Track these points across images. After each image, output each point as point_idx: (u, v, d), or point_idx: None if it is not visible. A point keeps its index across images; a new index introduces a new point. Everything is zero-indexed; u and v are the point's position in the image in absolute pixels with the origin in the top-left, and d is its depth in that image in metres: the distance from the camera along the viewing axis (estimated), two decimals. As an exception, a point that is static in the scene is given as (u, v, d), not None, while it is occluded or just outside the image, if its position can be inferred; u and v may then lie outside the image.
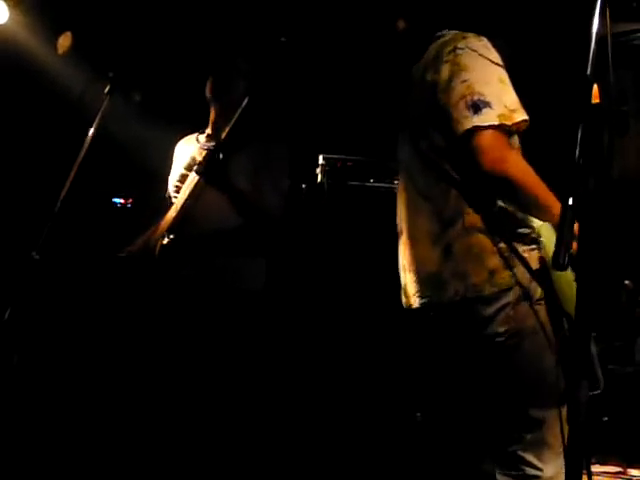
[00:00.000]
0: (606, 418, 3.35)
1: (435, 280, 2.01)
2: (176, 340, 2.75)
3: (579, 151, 1.30)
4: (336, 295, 3.63)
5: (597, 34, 1.37)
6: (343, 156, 3.91)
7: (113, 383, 3.15)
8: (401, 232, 2.18)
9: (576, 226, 1.30)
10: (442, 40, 2.11)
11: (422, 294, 2.06)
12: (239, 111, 2.73)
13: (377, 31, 3.66)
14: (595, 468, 3.62)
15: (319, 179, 3.80)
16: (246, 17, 3.90)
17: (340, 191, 3.86)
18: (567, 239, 1.27)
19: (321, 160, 3.86)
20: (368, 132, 3.94)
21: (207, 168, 2.74)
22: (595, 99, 1.36)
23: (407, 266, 2.13)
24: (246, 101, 2.73)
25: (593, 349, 1.90)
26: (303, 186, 3.86)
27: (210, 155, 2.76)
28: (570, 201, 1.28)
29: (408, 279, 2.12)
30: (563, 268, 1.26)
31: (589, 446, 1.62)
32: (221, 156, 2.74)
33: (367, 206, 3.85)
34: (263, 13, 3.86)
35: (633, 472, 3.60)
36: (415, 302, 2.09)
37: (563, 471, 1.31)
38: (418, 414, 3.30)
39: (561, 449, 1.84)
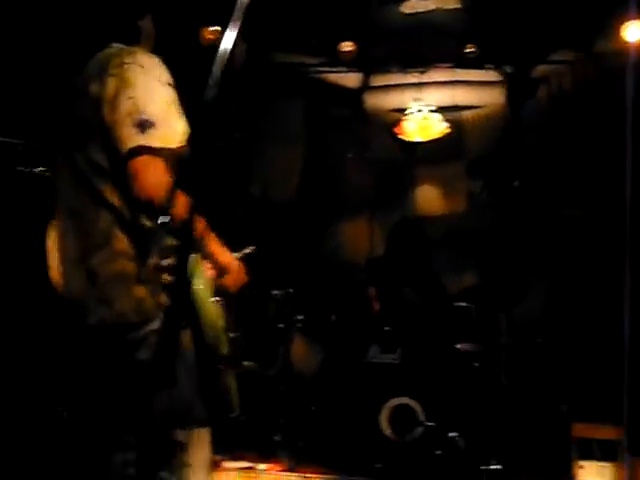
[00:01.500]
0: (243, 417, 3.62)
1: (80, 304, 1.96)
2: None
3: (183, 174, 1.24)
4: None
5: (222, 56, 1.26)
6: (10, 139, 3.66)
7: None
8: (50, 250, 2.07)
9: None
10: (108, 52, 2.02)
11: (70, 315, 2.01)
12: None
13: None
14: (228, 464, 3.92)
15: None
16: None
17: (5, 177, 3.62)
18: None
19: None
20: (42, 116, 3.75)
21: None
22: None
23: (56, 284, 2.05)
24: None
25: (231, 377, 2.04)
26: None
27: None
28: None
29: (60, 297, 2.05)
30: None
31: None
32: None
33: (33, 195, 3.66)
34: None
35: (261, 466, 3.96)
36: (66, 318, 2.04)
37: None
38: (64, 412, 3.27)
39: (201, 466, 1.97)
